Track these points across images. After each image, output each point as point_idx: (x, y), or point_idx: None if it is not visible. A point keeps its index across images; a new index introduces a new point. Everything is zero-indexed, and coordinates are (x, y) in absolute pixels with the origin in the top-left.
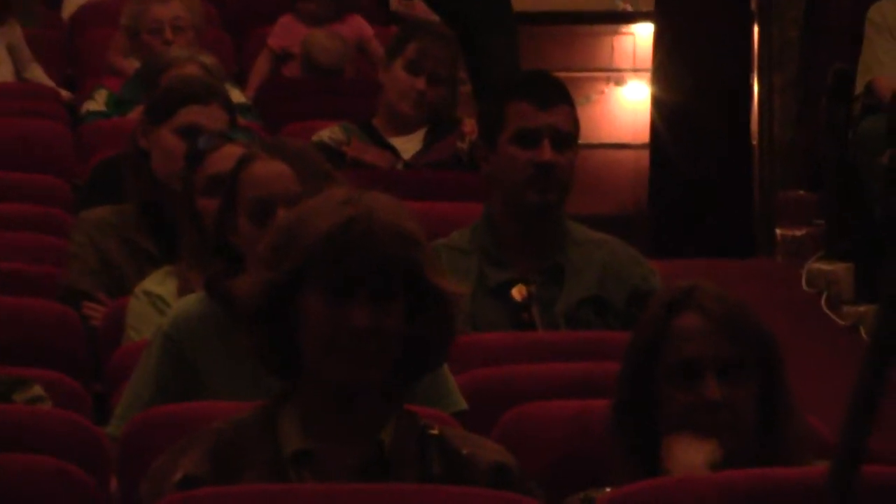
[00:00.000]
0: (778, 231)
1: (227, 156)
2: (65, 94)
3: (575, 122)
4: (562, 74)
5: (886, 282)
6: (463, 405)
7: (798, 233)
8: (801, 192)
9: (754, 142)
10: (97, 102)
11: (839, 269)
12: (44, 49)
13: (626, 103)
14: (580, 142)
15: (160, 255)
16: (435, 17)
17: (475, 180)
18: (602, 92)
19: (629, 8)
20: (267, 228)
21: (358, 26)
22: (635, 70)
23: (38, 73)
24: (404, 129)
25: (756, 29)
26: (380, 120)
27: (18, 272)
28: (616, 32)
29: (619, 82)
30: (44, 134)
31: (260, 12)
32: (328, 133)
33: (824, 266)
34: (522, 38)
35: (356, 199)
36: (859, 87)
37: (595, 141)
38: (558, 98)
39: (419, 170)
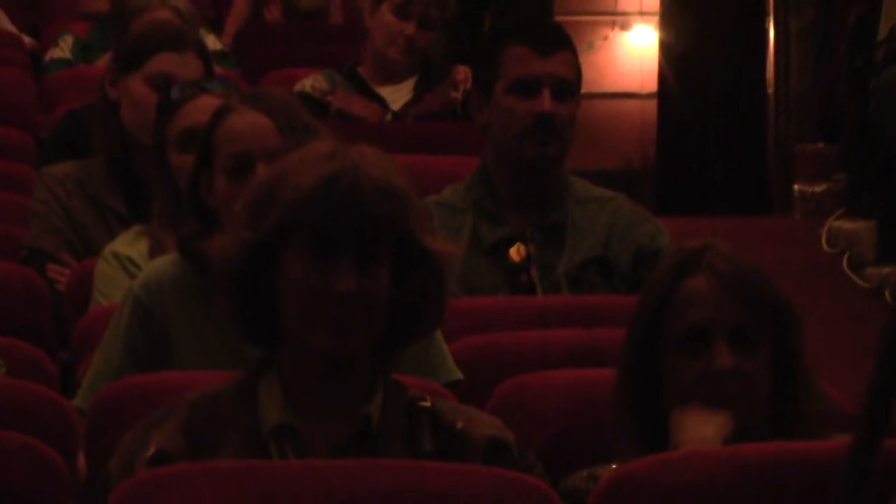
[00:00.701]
0: (795, 187)
1: (203, 107)
2: (28, 40)
3: (577, 70)
4: (562, 19)
5: None
6: (457, 374)
7: (817, 189)
8: (820, 144)
9: (769, 91)
10: (62, 49)
11: (861, 228)
12: None
13: (632, 49)
14: (582, 91)
15: (130, 215)
16: None
17: (469, 132)
18: (606, 37)
19: None
20: (245, 185)
21: None
22: (642, 14)
23: None
24: (393, 77)
25: None
26: (366, 68)
27: None
28: None
29: (624, 27)
30: (5, 83)
31: None
32: (311, 82)
33: (845, 224)
34: None
35: (341, 153)
36: (882, 33)
37: (598, 90)
38: (559, 44)
39: (409, 121)
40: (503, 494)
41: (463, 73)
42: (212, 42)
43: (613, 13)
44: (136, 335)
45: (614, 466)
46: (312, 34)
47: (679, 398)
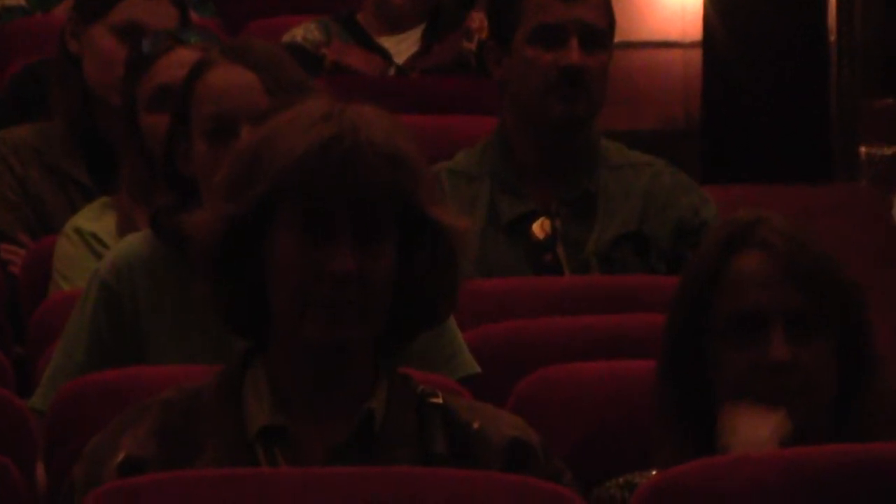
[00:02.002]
0: (862, 149)
1: (178, 62)
2: None
3: (609, 16)
4: None
5: None
6: (474, 368)
7: (886, 151)
8: (890, 100)
9: (831, 38)
10: None
11: None
12: None
13: None
14: (615, 40)
15: (94, 186)
16: None
17: (485, 89)
18: None
19: None
20: (227, 151)
21: None
22: None
23: None
24: (396, 26)
25: None
26: (366, 15)
27: None
28: None
29: None
30: None
31: None
32: (302, 32)
33: None
34: None
35: (337, 113)
36: None
37: (634, 39)
38: None
39: (415, 76)
40: None
41: (478, 20)
42: None
43: None
44: (102, 324)
45: (654, 473)
46: None
47: (728, 394)
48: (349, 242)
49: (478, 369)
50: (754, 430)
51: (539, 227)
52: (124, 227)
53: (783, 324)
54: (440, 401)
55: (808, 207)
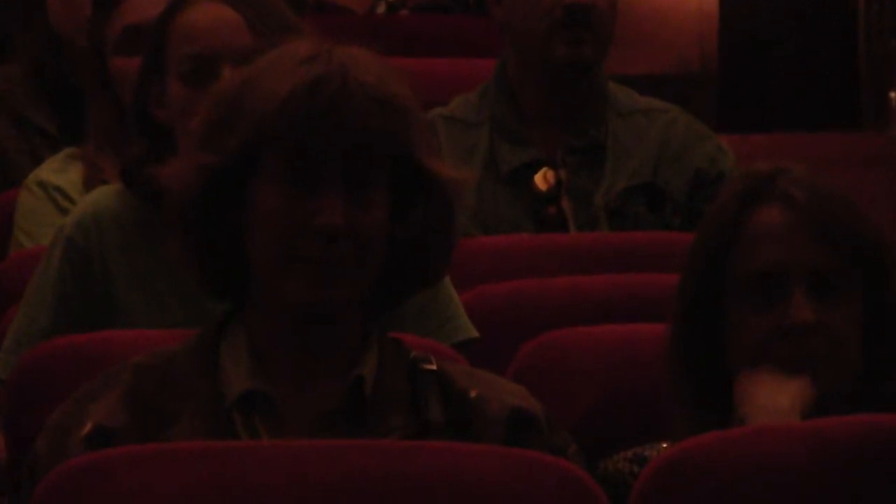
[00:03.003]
0: (892, 95)
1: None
2: None
3: None
4: None
5: None
6: (471, 332)
7: None
8: None
9: None
10: None
11: None
12: None
13: None
14: None
15: (60, 134)
16: None
17: (483, 28)
18: None
19: None
20: (206, 95)
21: None
22: None
23: None
24: None
25: None
26: None
27: None
28: None
29: None
30: None
31: None
32: None
33: None
34: None
35: (325, 55)
36: None
37: None
38: None
39: (407, 14)
40: (527, 480)
41: None
42: None
43: None
44: (68, 285)
45: (665, 446)
46: None
47: (747, 359)
48: (339, 194)
49: (475, 334)
50: (774, 399)
51: (542, 178)
52: (92, 180)
53: (805, 283)
54: (434, 367)
55: (833, 157)
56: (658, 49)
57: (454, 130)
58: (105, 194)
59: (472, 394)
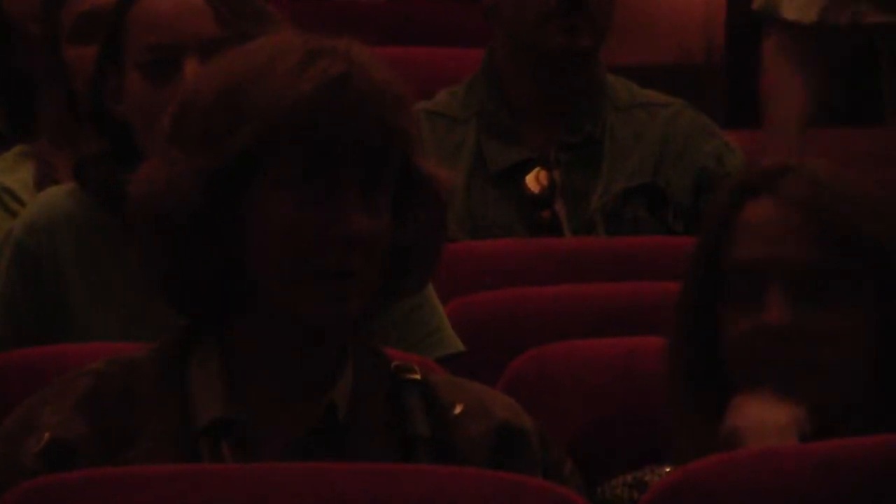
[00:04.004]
0: None
1: None
2: None
3: None
4: None
5: None
6: (457, 346)
7: None
8: None
9: None
10: None
11: None
12: None
13: None
14: None
15: (9, 130)
16: None
17: (470, 16)
18: None
19: None
20: (168, 89)
21: None
22: None
23: None
24: None
25: None
26: None
27: None
28: None
29: None
30: None
31: None
32: None
33: None
34: None
35: (338, 49)
36: None
37: None
38: None
39: (388, 1)
40: None
41: None
42: None
43: None
44: (18, 293)
45: (667, 470)
46: None
47: (735, 367)
48: (358, 199)
49: (461, 348)
50: (767, 413)
51: (534, 179)
52: (44, 180)
53: (784, 280)
54: (418, 377)
55: (854, 154)
56: (660, 37)
57: (439, 127)
58: (58, 195)
59: (457, 409)
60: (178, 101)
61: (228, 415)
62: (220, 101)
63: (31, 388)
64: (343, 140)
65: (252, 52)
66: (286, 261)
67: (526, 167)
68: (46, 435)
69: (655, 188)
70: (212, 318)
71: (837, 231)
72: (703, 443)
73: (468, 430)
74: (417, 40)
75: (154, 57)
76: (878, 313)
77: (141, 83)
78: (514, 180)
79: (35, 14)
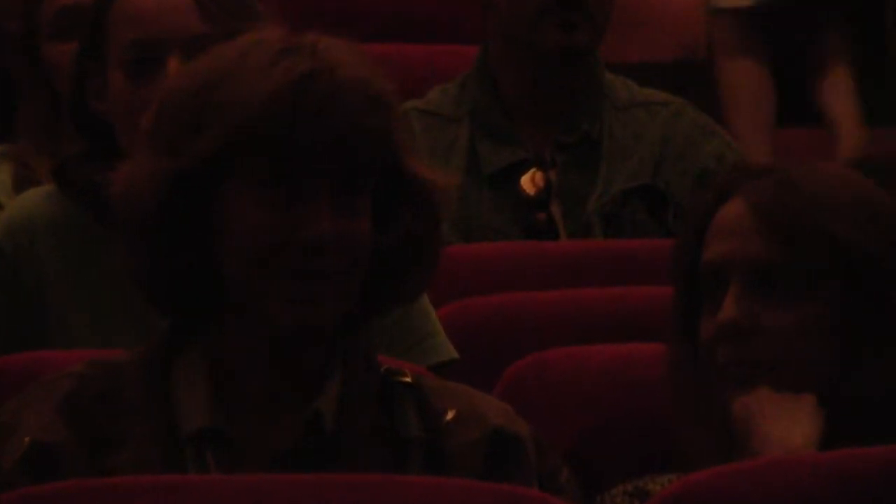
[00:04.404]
0: None
1: None
2: None
3: None
4: None
5: None
6: (450, 352)
7: None
8: None
9: None
10: None
11: None
12: None
13: None
14: None
15: None
16: None
17: (464, 12)
18: None
19: None
20: (152, 87)
21: None
22: None
23: None
24: None
25: None
26: None
27: None
28: None
29: None
30: None
31: None
32: None
33: None
34: None
35: (306, 46)
36: None
37: None
38: None
39: None
40: None
41: None
42: None
43: None
44: None
45: (669, 478)
46: None
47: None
48: (326, 201)
49: (454, 355)
50: (780, 423)
51: (529, 180)
52: (23, 181)
53: (742, 280)
54: (409, 380)
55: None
56: (660, 34)
57: (431, 126)
58: (37, 197)
59: (449, 415)
60: (157, 101)
61: (214, 423)
62: (188, 103)
63: (9, 395)
64: (308, 140)
65: (225, 51)
66: (253, 261)
67: (521, 168)
68: (27, 440)
69: (655, 189)
70: (193, 320)
71: (795, 229)
72: (706, 448)
73: (461, 436)
74: (410, 36)
75: (137, 54)
76: (840, 312)
77: (123, 81)
78: (509, 181)
79: (12, 11)
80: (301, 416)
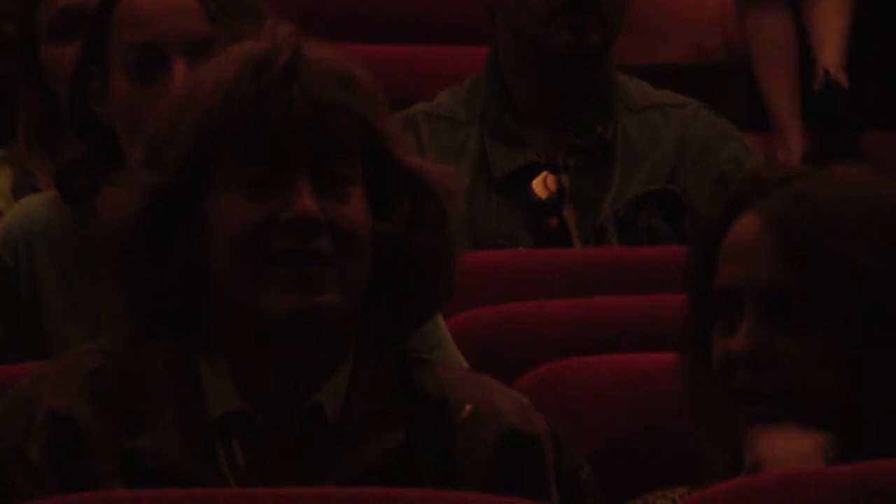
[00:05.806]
0: None
1: None
2: None
3: None
4: None
5: None
6: (461, 363)
7: None
8: None
9: None
10: None
11: None
12: None
13: None
14: None
15: None
16: None
17: (473, 13)
18: None
19: None
20: (156, 90)
21: None
22: None
23: None
24: None
25: None
26: None
27: None
28: None
29: None
30: None
31: None
32: None
33: None
34: None
35: (272, 30)
36: None
37: None
38: None
39: None
40: None
41: None
42: None
43: None
44: None
45: (682, 492)
46: None
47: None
48: (305, 182)
49: (465, 365)
50: (791, 441)
51: (541, 184)
52: (22, 187)
53: (757, 306)
54: (427, 357)
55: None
56: (675, 35)
57: (440, 129)
58: (36, 204)
59: (465, 412)
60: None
61: (240, 408)
62: (164, 121)
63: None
64: (276, 116)
65: (211, 62)
66: (241, 254)
67: (532, 172)
68: (49, 414)
69: (671, 194)
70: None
71: (812, 254)
72: (722, 462)
73: (475, 438)
74: (419, 37)
75: (140, 57)
76: (857, 340)
77: (126, 84)
78: (520, 186)
79: (9, 12)
80: (303, 409)
